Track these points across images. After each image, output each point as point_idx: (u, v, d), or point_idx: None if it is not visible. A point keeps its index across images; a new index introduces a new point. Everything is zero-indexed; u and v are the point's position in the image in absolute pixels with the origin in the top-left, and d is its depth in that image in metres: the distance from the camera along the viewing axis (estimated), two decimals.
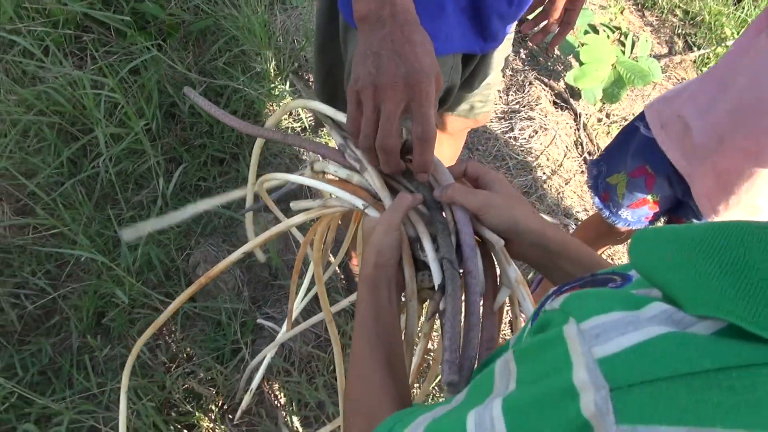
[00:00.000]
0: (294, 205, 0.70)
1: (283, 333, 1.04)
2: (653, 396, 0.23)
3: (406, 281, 0.57)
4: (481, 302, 0.56)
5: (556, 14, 0.99)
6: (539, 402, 0.27)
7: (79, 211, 1.57)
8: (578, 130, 2.03)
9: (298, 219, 0.68)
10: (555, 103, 2.09)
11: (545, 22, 1.01)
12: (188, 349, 1.45)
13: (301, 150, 1.79)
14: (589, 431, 0.24)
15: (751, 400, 0.22)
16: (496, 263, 0.60)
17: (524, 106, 2.04)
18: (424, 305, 0.63)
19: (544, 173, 1.90)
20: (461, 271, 0.55)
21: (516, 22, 1.00)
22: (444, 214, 0.60)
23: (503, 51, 1.02)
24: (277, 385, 1.41)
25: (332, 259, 0.91)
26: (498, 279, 0.60)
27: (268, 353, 1.17)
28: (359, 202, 0.62)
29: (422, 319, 0.59)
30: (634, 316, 0.26)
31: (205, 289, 1.51)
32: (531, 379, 0.28)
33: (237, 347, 1.44)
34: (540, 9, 1.02)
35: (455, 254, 0.55)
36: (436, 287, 0.54)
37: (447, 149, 1.28)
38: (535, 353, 0.29)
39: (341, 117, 0.66)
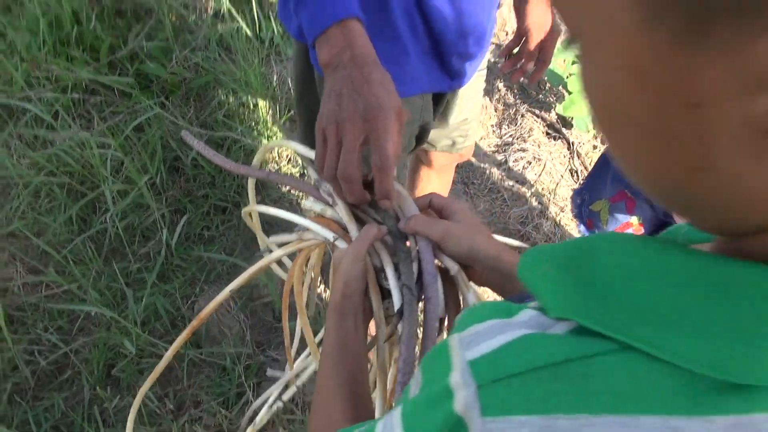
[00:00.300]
0: (272, 239, 0.74)
1: (287, 373, 1.06)
2: (511, 389, 0.26)
3: (374, 309, 0.60)
4: (440, 327, 0.59)
5: (530, 55, 1.04)
6: (424, 403, 0.30)
7: (89, 267, 1.63)
8: (572, 158, 2.06)
9: (278, 253, 0.71)
10: (548, 133, 2.13)
11: (522, 62, 1.06)
12: (195, 396, 1.47)
13: (300, 195, 1.84)
14: (463, 426, 0.27)
15: (587, 387, 0.25)
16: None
17: (517, 139, 2.08)
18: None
19: (539, 203, 1.92)
20: (422, 297, 0.58)
21: (486, 59, 1.05)
22: (408, 243, 0.63)
23: (476, 86, 1.06)
24: (281, 428, 1.42)
25: (319, 290, 0.94)
26: (462, 305, 0.62)
27: (273, 393, 1.18)
28: (330, 235, 0.66)
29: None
30: (506, 322, 0.29)
31: (210, 335, 1.54)
32: (425, 384, 0.31)
33: (242, 390, 1.46)
34: (517, 49, 1.07)
35: (417, 282, 0.58)
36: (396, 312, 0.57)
37: (435, 184, 1.32)
38: (431, 362, 0.32)
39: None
